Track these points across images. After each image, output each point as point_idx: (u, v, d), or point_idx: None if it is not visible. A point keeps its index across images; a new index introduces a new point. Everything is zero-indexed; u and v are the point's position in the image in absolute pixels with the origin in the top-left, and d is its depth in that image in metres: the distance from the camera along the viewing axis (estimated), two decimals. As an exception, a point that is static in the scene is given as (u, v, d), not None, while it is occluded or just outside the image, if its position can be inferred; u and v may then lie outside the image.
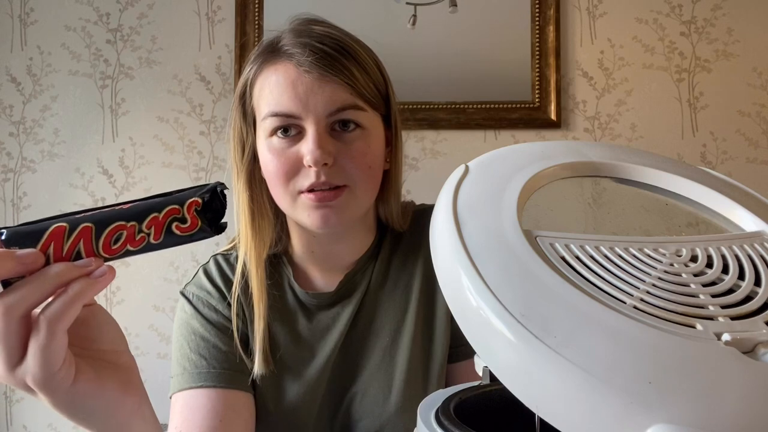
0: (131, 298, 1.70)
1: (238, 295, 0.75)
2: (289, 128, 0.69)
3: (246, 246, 0.74)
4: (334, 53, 0.68)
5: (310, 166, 0.67)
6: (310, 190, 0.68)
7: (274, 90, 0.69)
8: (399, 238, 0.81)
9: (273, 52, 0.70)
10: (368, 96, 0.70)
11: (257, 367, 0.73)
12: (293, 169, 0.68)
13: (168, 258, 1.70)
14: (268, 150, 0.70)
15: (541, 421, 0.29)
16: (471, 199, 0.39)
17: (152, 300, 1.70)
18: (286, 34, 0.71)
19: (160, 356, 1.68)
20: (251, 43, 1.69)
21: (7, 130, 1.73)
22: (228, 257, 0.81)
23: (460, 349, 0.79)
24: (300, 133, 0.69)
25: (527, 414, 0.30)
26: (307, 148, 0.67)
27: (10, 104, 1.73)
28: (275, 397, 0.76)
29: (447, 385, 0.78)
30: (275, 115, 0.68)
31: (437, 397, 0.43)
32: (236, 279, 0.75)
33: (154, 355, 1.68)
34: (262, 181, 0.74)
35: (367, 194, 0.72)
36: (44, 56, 1.73)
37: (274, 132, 0.69)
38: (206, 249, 1.69)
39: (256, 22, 1.69)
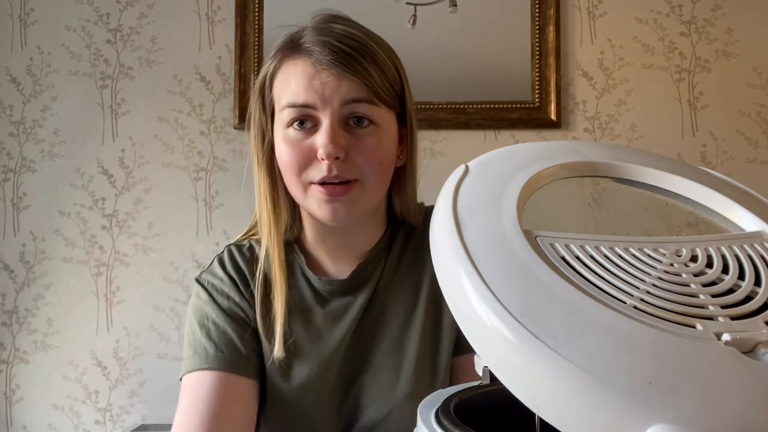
0: (131, 298, 1.70)
1: (256, 282, 0.77)
2: (305, 120, 0.71)
3: (268, 230, 0.77)
4: (352, 52, 0.70)
5: (322, 159, 0.69)
6: (322, 183, 0.70)
7: (292, 83, 0.72)
8: (412, 232, 0.84)
9: (293, 48, 0.73)
10: (383, 95, 0.72)
11: (277, 351, 0.74)
12: (306, 161, 0.71)
13: (168, 258, 1.70)
14: (284, 140, 0.73)
15: (541, 421, 0.29)
16: (471, 199, 0.39)
17: (152, 300, 1.70)
18: (307, 30, 0.73)
19: (160, 356, 1.68)
20: (251, 43, 1.69)
21: (7, 130, 1.73)
22: (241, 247, 0.83)
23: (463, 342, 0.79)
24: (315, 126, 0.71)
25: (527, 414, 0.30)
26: (320, 141, 0.69)
27: (10, 104, 1.73)
28: (285, 382, 0.77)
29: (450, 378, 0.80)
30: (292, 106, 0.71)
31: (437, 397, 0.43)
32: (260, 264, 0.78)
33: (154, 355, 1.68)
34: (279, 170, 0.77)
35: (376, 189, 0.74)
36: (44, 56, 1.73)
37: (290, 123, 0.72)
38: (206, 249, 1.69)
39: (256, 22, 1.69)
